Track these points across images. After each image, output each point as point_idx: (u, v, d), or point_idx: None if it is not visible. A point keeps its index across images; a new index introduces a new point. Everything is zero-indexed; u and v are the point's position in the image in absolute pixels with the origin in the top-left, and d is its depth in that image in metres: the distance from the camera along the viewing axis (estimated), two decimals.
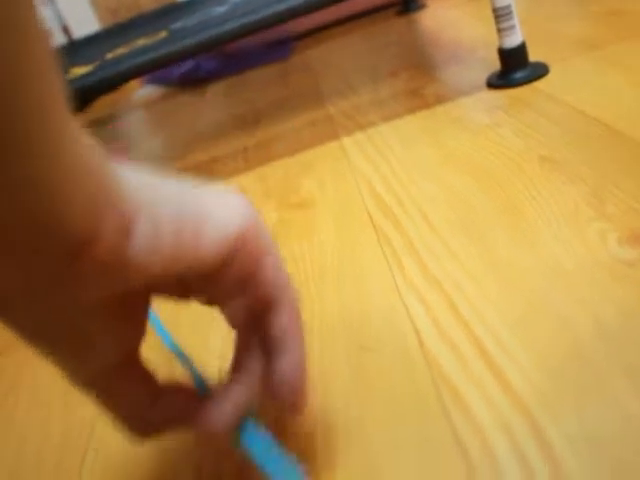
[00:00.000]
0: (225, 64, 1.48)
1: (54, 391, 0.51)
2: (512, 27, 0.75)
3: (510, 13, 0.75)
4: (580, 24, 0.91)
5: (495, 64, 0.83)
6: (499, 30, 0.76)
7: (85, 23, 1.80)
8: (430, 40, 1.12)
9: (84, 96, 0.80)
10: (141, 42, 0.99)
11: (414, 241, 0.52)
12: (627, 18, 0.86)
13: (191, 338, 0.51)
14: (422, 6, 1.42)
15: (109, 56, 0.98)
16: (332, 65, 1.20)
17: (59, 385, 0.51)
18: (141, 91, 1.61)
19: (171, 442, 0.40)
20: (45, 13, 1.80)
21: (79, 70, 0.95)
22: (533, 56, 0.80)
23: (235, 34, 0.74)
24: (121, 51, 0.98)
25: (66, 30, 1.83)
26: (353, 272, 0.52)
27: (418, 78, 0.93)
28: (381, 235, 0.55)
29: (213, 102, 1.27)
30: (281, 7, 0.74)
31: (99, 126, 1.42)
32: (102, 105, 1.60)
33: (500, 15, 0.75)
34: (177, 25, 1.04)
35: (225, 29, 0.74)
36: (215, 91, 1.36)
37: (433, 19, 1.27)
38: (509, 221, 0.51)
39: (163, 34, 0.99)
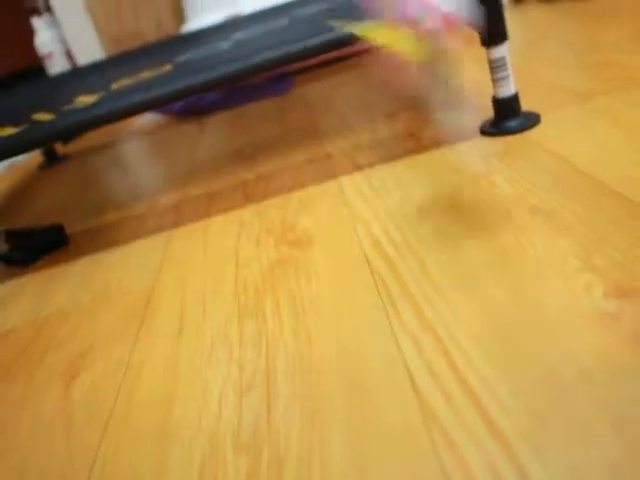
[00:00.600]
0: (225, 96, 1.51)
1: (57, 416, 0.52)
2: (506, 77, 0.79)
3: (505, 65, 0.78)
4: (572, 73, 0.95)
5: (488, 110, 0.86)
6: (494, 80, 0.79)
7: (89, 49, 1.84)
8: (426, 83, 1.15)
9: (85, 129, 0.82)
10: (146, 74, 1.02)
11: (409, 285, 0.54)
12: (618, 70, 0.90)
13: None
14: None
15: (114, 86, 1.00)
16: (330, 102, 1.23)
17: (62, 410, 0.53)
18: (141, 119, 1.63)
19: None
20: (49, 36, 1.83)
21: (84, 99, 0.97)
22: (525, 104, 0.83)
23: (238, 76, 0.77)
24: (126, 82, 1.01)
25: (69, 55, 1.86)
26: (350, 312, 0.54)
27: (415, 120, 0.96)
28: (377, 277, 0.57)
29: (212, 134, 1.29)
30: (283, 51, 0.77)
31: (96, 153, 1.44)
32: (102, 132, 1.62)
33: (495, 66, 0.78)
34: (181, 59, 1.06)
35: (228, 70, 0.77)
36: (214, 123, 1.38)
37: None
38: (499, 269, 0.53)
39: (167, 67, 1.02)
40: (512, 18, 1.40)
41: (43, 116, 0.93)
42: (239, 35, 1.12)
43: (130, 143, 1.45)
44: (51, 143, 0.90)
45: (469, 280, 0.53)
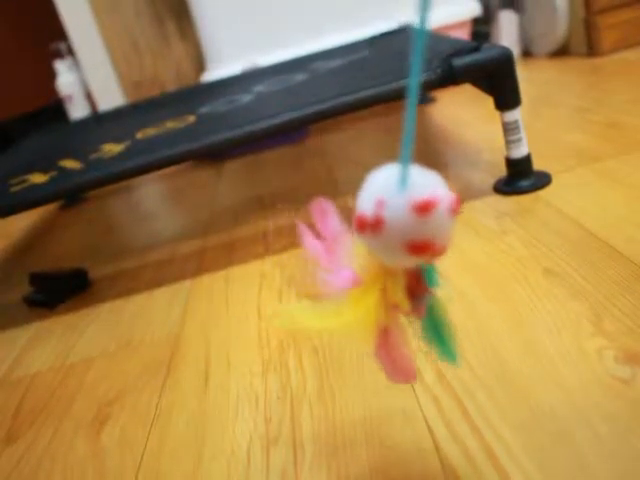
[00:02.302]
0: None
1: (88, 465, 0.54)
2: (519, 140, 0.82)
3: (517, 128, 0.81)
4: (579, 134, 0.98)
5: (501, 168, 0.89)
6: (507, 142, 0.83)
7: (109, 93, 1.89)
8: (439, 137, 1.20)
9: (113, 181, 0.85)
10: (170, 124, 1.06)
11: None
12: (625, 132, 0.93)
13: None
14: (432, 100, 1.51)
15: (139, 136, 1.04)
16: (346, 152, 1.27)
17: (93, 458, 0.55)
18: None
19: None
20: (71, 79, 1.89)
21: (110, 147, 1.01)
22: (536, 164, 0.86)
23: (263, 134, 0.81)
24: (150, 131, 1.05)
25: (89, 97, 1.92)
26: (371, 368, 0.56)
27: None
28: None
29: (230, 181, 1.33)
30: (308, 111, 0.81)
31: (116, 196, 1.48)
32: None
33: (509, 129, 0.82)
34: (204, 110, 1.11)
35: (254, 129, 0.81)
36: (231, 169, 1.42)
37: (443, 115, 1.36)
38: (515, 331, 0.55)
39: (191, 119, 1.06)
40: (522, 75, 1.45)
41: (70, 163, 0.97)
42: (260, 88, 1.16)
43: (148, 187, 1.49)
44: (80, 193, 0.93)
45: (486, 341, 0.55)
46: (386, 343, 0.38)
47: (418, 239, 0.32)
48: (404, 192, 0.32)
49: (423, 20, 0.29)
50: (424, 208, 0.32)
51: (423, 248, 0.33)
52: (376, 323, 0.37)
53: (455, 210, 0.33)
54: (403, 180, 0.32)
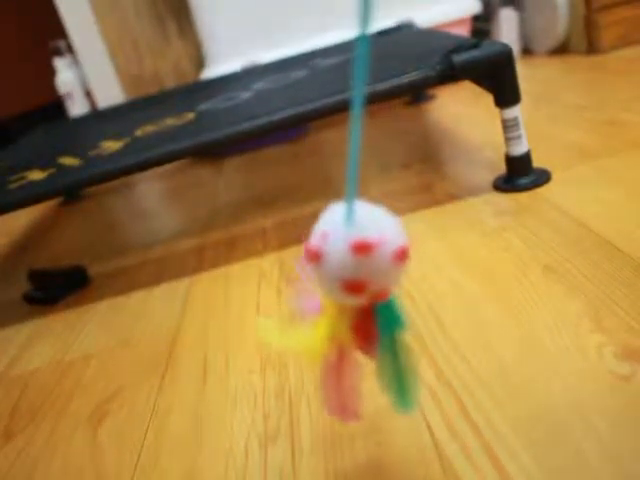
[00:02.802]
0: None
1: (87, 461, 0.54)
2: (519, 137, 0.82)
3: (517, 124, 0.81)
4: (579, 132, 0.98)
5: (500, 165, 0.89)
6: (507, 139, 0.83)
7: (108, 89, 1.89)
8: (439, 134, 1.19)
9: (112, 178, 0.85)
10: (169, 121, 1.06)
11: (426, 340, 0.57)
12: (624, 129, 0.93)
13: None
14: (431, 97, 1.50)
15: (138, 133, 1.04)
16: (344, 149, 1.27)
17: (91, 455, 0.55)
18: None
19: None
20: (70, 76, 1.88)
21: (109, 144, 1.01)
22: (536, 161, 0.86)
23: (261, 132, 0.81)
24: (150, 129, 1.05)
25: (89, 95, 1.91)
26: (368, 366, 0.56)
27: (429, 173, 0.99)
28: None
29: (229, 178, 1.33)
30: (306, 108, 0.80)
31: (116, 193, 1.48)
32: None
33: (508, 126, 0.82)
34: (203, 107, 1.10)
35: (252, 126, 0.81)
36: (230, 167, 1.42)
37: (441, 112, 1.35)
38: (514, 328, 0.55)
39: (190, 116, 1.06)
40: (522, 73, 1.44)
41: (69, 160, 0.97)
42: (259, 85, 1.16)
43: (148, 185, 1.49)
44: (78, 190, 0.93)
45: (485, 338, 0.55)
46: (332, 376, 0.38)
47: (352, 278, 0.32)
48: (347, 229, 0.32)
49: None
50: (361, 248, 0.31)
51: (357, 288, 0.32)
52: (323, 355, 0.37)
53: (401, 256, 0.32)
54: (349, 216, 0.32)
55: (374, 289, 0.33)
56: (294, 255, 0.83)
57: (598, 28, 1.43)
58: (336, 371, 0.38)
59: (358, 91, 0.30)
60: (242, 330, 0.69)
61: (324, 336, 0.36)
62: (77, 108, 1.91)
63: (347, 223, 0.32)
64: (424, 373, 0.53)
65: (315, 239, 0.33)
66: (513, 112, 0.81)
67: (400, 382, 0.36)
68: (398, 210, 0.86)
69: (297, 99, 0.87)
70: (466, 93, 1.43)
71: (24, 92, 2.61)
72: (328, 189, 1.05)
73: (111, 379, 0.67)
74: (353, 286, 0.32)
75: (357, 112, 0.30)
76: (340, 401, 0.39)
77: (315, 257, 0.33)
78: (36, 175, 0.92)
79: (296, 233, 0.90)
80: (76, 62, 1.92)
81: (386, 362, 0.36)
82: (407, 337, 0.36)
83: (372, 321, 0.35)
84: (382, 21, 1.49)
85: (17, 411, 0.66)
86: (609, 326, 0.52)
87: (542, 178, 0.83)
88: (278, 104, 0.89)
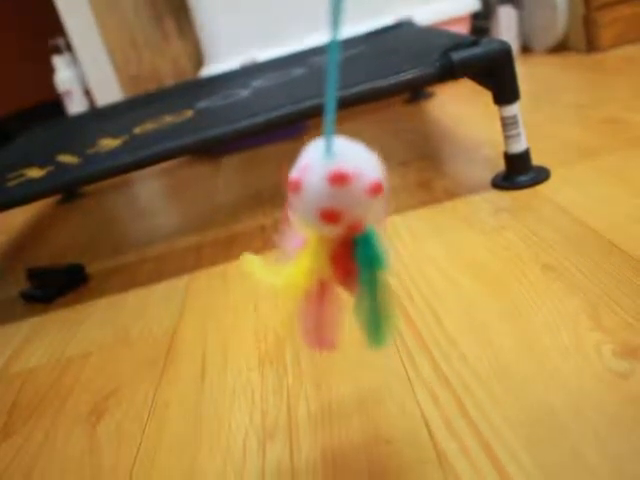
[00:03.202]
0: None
1: (85, 458, 0.54)
2: (518, 135, 0.82)
3: (516, 122, 0.81)
4: (579, 130, 0.98)
5: (499, 162, 0.89)
6: (506, 137, 0.82)
7: (107, 87, 1.89)
8: (438, 132, 1.19)
9: (110, 176, 0.85)
10: (168, 119, 1.06)
11: (425, 338, 0.57)
12: (624, 127, 0.93)
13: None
14: (430, 95, 1.50)
15: (137, 131, 1.04)
16: None
17: (90, 453, 0.55)
18: None
19: None
20: (69, 74, 1.88)
21: (108, 142, 1.00)
22: (535, 159, 0.86)
23: (260, 129, 0.81)
24: (148, 126, 1.04)
25: (87, 93, 1.91)
26: (369, 363, 0.56)
27: (427, 170, 0.99)
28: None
29: (228, 176, 1.33)
30: (304, 105, 0.80)
31: (114, 191, 1.48)
32: None
33: (507, 123, 0.81)
34: (202, 105, 1.10)
35: (250, 124, 0.81)
36: (229, 165, 1.42)
37: (440, 110, 1.35)
38: (513, 326, 0.55)
39: (189, 113, 1.06)
40: (521, 71, 1.44)
41: (67, 158, 0.96)
42: (258, 83, 1.16)
43: (146, 183, 1.49)
44: (77, 187, 0.93)
45: (483, 336, 0.55)
46: (311, 307, 0.39)
47: (329, 207, 0.34)
48: (326, 161, 0.34)
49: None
50: (337, 179, 0.33)
51: (333, 217, 0.34)
52: (302, 286, 0.38)
53: (375, 190, 0.34)
54: (328, 150, 0.34)
55: (349, 219, 0.35)
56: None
57: (597, 26, 1.43)
58: (316, 302, 0.39)
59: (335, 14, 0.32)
60: (240, 327, 0.69)
61: (305, 269, 0.37)
62: (76, 106, 1.91)
63: (326, 156, 0.34)
64: (423, 371, 0.53)
65: (296, 171, 0.35)
66: (512, 110, 0.81)
67: (375, 318, 0.38)
68: (397, 208, 0.87)
69: (296, 97, 0.87)
70: (465, 91, 1.43)
71: (23, 90, 2.61)
72: None
73: (110, 376, 0.67)
74: (329, 215, 0.34)
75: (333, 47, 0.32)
76: (317, 331, 0.40)
77: (295, 187, 0.34)
78: (35, 173, 0.92)
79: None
80: (75, 60, 1.92)
81: (364, 297, 0.37)
82: (387, 276, 0.37)
83: (351, 254, 0.37)
84: (382, 19, 1.49)
85: (16, 408, 0.66)
86: (608, 324, 0.52)
87: (541, 176, 0.83)
88: (277, 102, 0.89)
